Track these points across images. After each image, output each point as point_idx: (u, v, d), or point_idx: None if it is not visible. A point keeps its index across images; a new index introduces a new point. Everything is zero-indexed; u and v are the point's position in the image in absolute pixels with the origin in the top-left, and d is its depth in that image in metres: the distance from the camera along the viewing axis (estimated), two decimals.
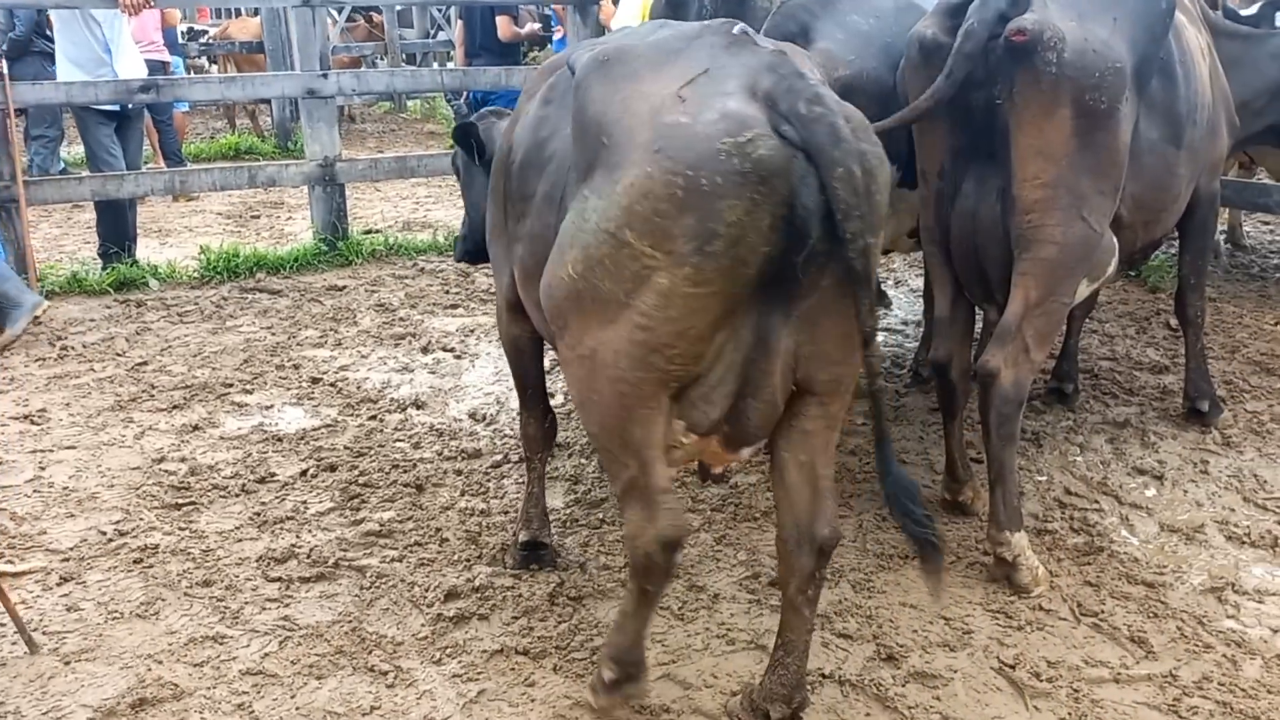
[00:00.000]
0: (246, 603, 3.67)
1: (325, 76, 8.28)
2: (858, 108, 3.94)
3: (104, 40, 7.83)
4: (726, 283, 2.50)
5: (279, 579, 3.81)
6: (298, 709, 3.13)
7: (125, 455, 4.85)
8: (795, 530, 2.81)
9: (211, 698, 3.18)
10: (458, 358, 6.15)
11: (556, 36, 10.16)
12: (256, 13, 16.05)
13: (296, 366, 5.98)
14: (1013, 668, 3.27)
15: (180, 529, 4.18)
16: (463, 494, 4.45)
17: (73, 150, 11.24)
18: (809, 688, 3.13)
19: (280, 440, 5.00)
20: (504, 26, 9.50)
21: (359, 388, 5.67)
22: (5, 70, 7.10)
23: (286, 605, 3.66)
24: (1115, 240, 3.91)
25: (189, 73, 14.97)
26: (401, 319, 6.84)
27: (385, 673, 3.28)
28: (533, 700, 3.16)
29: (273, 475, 4.64)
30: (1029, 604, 3.60)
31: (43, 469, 4.71)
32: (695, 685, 3.21)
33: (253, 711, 3.12)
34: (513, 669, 3.30)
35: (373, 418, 5.27)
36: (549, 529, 3.93)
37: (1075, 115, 3.54)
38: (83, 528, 4.19)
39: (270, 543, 4.06)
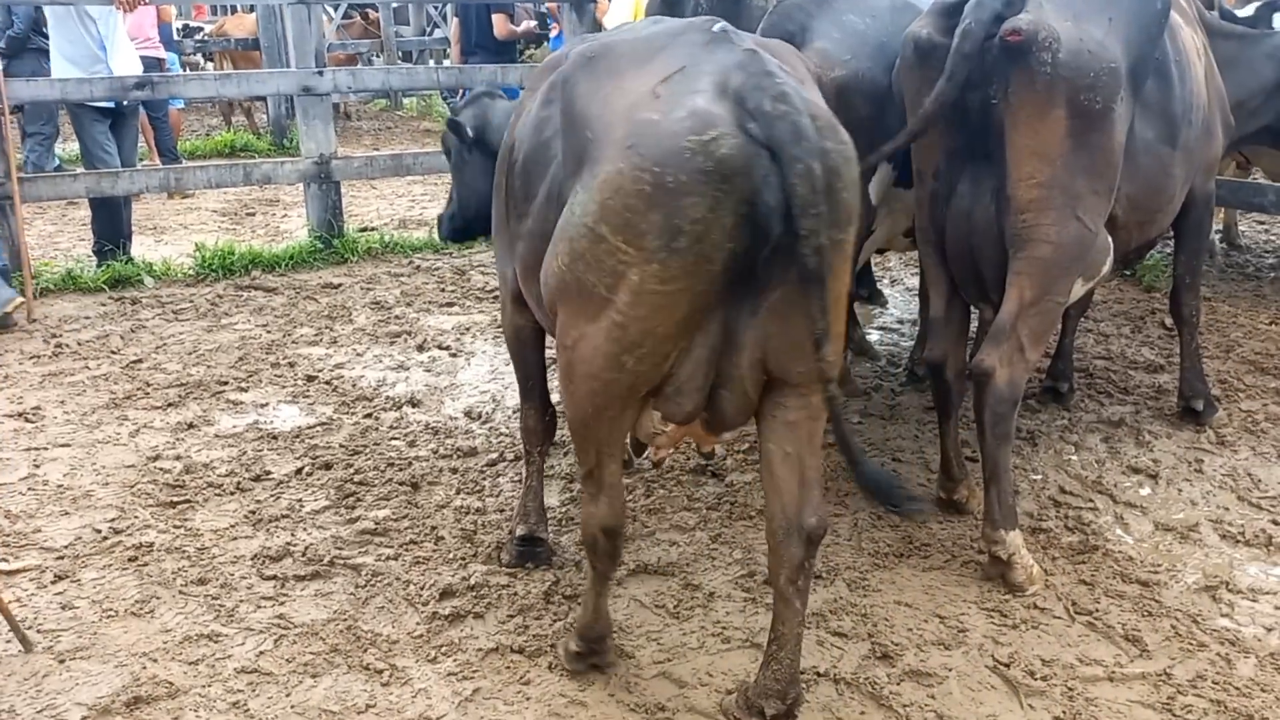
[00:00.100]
0: (241, 601, 3.67)
1: (321, 74, 8.28)
2: (854, 107, 4.02)
3: (99, 37, 7.81)
4: (693, 280, 2.55)
5: (274, 577, 3.81)
6: (293, 707, 3.13)
7: (120, 453, 4.85)
8: (784, 520, 2.84)
9: (206, 696, 3.18)
10: (453, 356, 6.15)
11: (553, 34, 10.15)
12: (252, 9, 16.04)
13: (292, 364, 5.97)
14: (1007, 666, 3.28)
15: (175, 527, 4.17)
16: (458, 492, 4.45)
17: (67, 147, 11.21)
18: (804, 685, 3.14)
19: (275, 438, 5.00)
20: (500, 24, 9.51)
21: (354, 386, 5.67)
22: (0, 67, 7.09)
23: (281, 603, 3.66)
24: (1110, 240, 3.92)
25: (184, 69, 14.95)
26: (397, 317, 6.84)
27: (380, 671, 3.28)
28: (528, 698, 3.16)
29: (268, 473, 4.63)
30: (1024, 602, 3.61)
31: (37, 466, 4.70)
32: (691, 683, 3.21)
33: (248, 710, 3.12)
34: (508, 667, 3.30)
35: (368, 416, 5.26)
36: (546, 525, 3.94)
37: (1070, 115, 3.54)
38: (77, 525, 4.18)
39: (265, 541, 4.06)
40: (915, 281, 6.91)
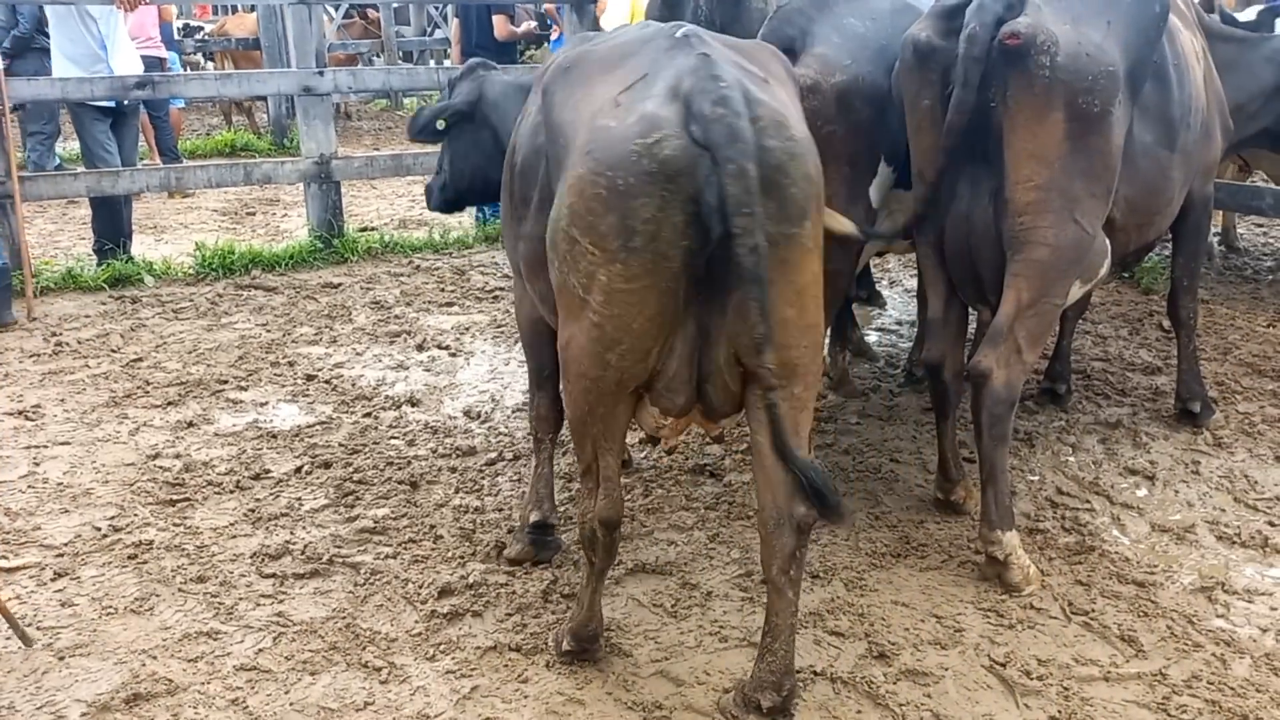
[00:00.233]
0: (241, 599, 3.68)
1: (321, 74, 8.29)
2: (854, 111, 4.04)
3: (100, 37, 7.82)
4: (655, 278, 2.66)
5: (273, 575, 3.82)
6: (292, 704, 3.14)
7: (120, 451, 4.86)
8: (774, 510, 2.88)
9: (205, 693, 3.19)
10: (453, 355, 6.16)
11: (554, 36, 10.16)
12: (253, 9, 16.05)
13: (291, 363, 5.98)
14: (1003, 666, 3.29)
15: (175, 525, 4.18)
16: (457, 491, 4.46)
17: (68, 146, 11.23)
18: (801, 684, 3.16)
19: (275, 437, 5.01)
20: (500, 25, 9.52)
21: (354, 385, 5.68)
22: (0, 66, 7.10)
23: (281, 601, 3.67)
24: (1108, 242, 3.93)
25: (185, 69, 14.96)
26: (397, 316, 6.85)
27: (379, 669, 3.29)
28: (526, 696, 3.17)
29: (267, 472, 4.64)
30: (1020, 603, 3.62)
31: (37, 465, 4.71)
32: (688, 682, 3.22)
33: (247, 707, 3.13)
34: (506, 665, 3.31)
35: (367, 415, 5.28)
36: (555, 512, 3.96)
37: (1068, 118, 3.55)
38: (77, 523, 4.19)
39: (264, 539, 4.07)
40: (914, 283, 6.92)
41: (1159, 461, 4.66)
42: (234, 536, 4.10)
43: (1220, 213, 7.90)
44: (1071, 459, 4.72)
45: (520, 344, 4.13)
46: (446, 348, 6.26)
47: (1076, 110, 3.56)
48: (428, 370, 5.93)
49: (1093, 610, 3.57)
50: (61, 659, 3.35)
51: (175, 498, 4.40)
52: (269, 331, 6.55)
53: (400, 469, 4.65)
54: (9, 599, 3.46)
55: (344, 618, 3.56)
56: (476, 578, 3.76)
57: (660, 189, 2.60)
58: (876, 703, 3.13)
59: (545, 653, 3.36)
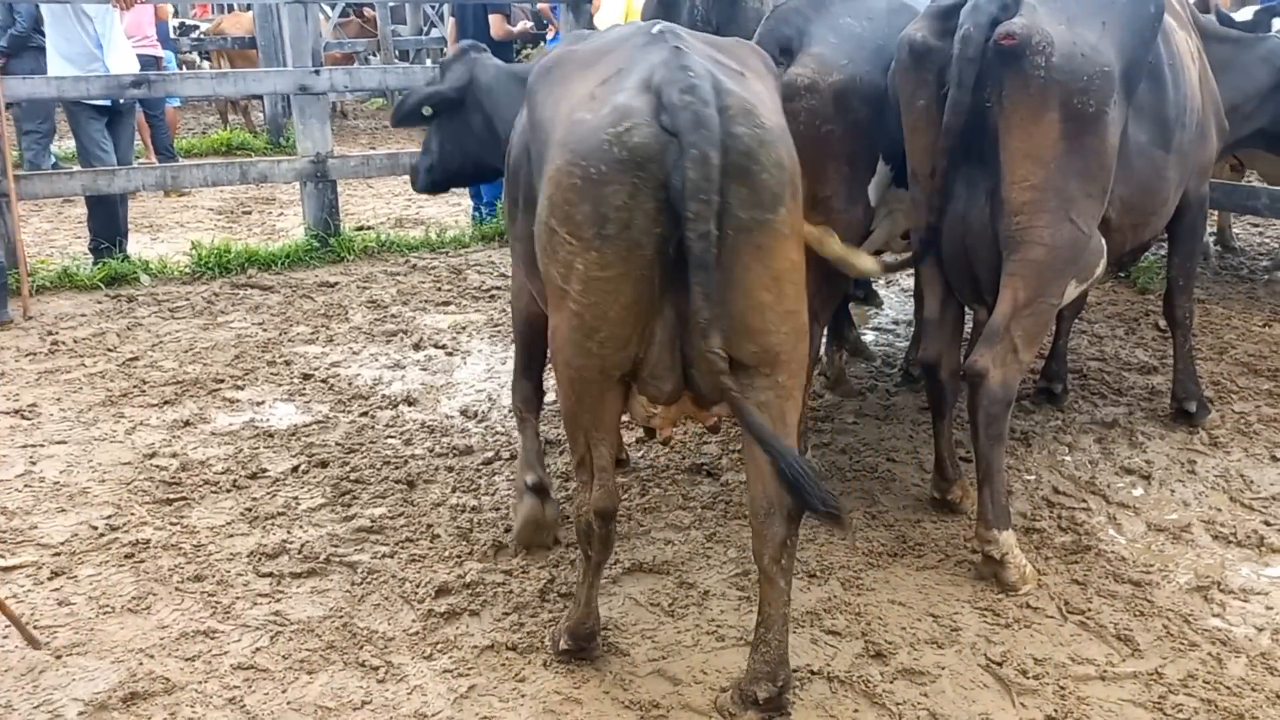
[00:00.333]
0: (238, 598, 3.68)
1: (318, 73, 8.28)
2: (852, 110, 4.05)
3: (95, 35, 7.81)
4: (629, 265, 2.73)
5: (270, 574, 3.82)
6: (289, 703, 3.14)
7: (116, 450, 4.86)
8: (765, 501, 2.91)
9: (203, 692, 3.19)
10: (449, 354, 6.16)
11: (549, 35, 10.16)
12: (249, 8, 16.04)
13: (288, 363, 5.98)
14: (1000, 665, 3.30)
15: (171, 524, 4.18)
16: (454, 490, 4.46)
17: (64, 145, 11.21)
18: (798, 683, 3.17)
19: (271, 436, 5.01)
20: (496, 24, 9.51)
21: (350, 384, 5.68)
22: None
23: (278, 600, 3.67)
24: (1104, 242, 3.94)
25: (181, 68, 14.94)
26: (393, 316, 6.85)
27: (376, 668, 3.29)
28: (523, 695, 3.18)
29: (264, 471, 4.64)
30: (1016, 602, 3.62)
31: (33, 464, 4.71)
32: (685, 681, 3.23)
33: (244, 706, 3.13)
34: (503, 664, 3.32)
35: (364, 414, 5.27)
36: (545, 469, 4.07)
37: (1063, 118, 3.56)
38: (74, 522, 4.19)
39: (261, 538, 4.07)
40: (910, 283, 6.93)
41: (1155, 461, 4.67)
42: (231, 536, 4.10)
43: (1216, 213, 7.92)
44: (1068, 458, 4.73)
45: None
46: (443, 347, 6.26)
47: (1072, 110, 3.57)
48: (424, 369, 5.93)
49: (1089, 609, 3.58)
50: (59, 658, 3.34)
51: (172, 497, 4.39)
52: (265, 330, 6.55)
53: (397, 468, 4.65)
54: (7, 598, 3.45)
55: (341, 617, 3.56)
56: (474, 577, 3.76)
57: (631, 176, 2.67)
58: (873, 701, 3.14)
59: (542, 651, 3.36)
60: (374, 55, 18.04)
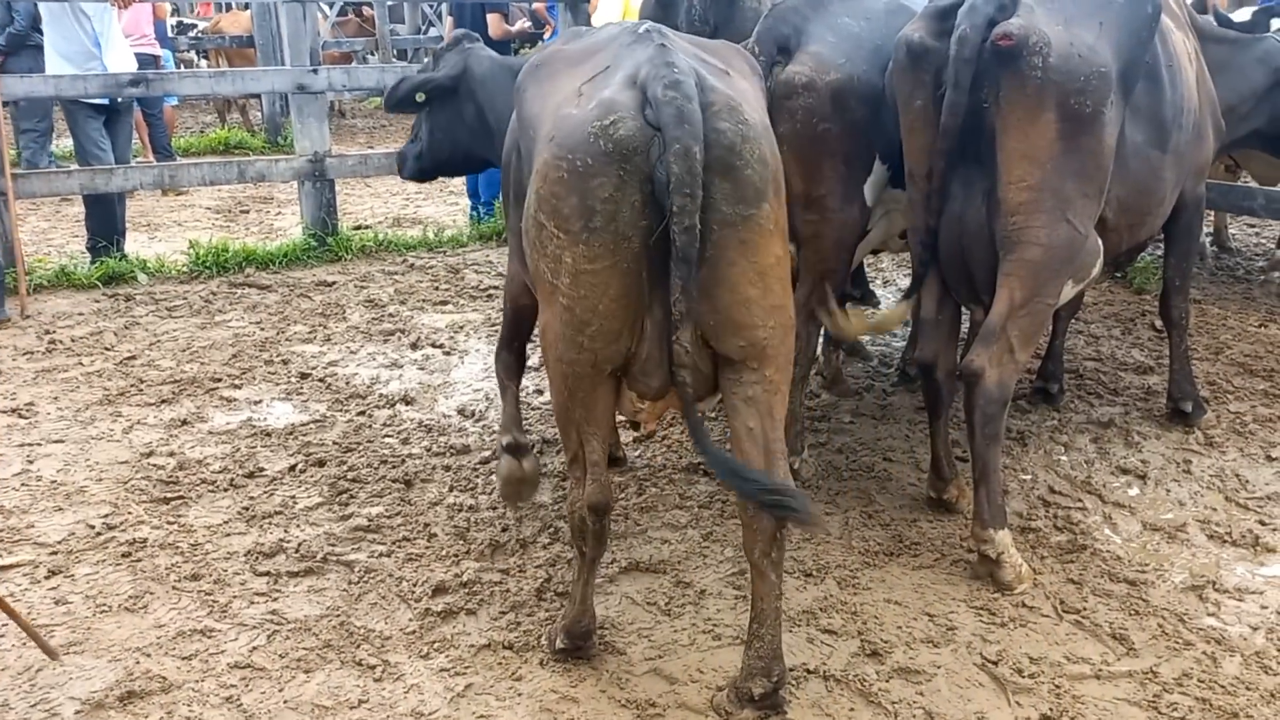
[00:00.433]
0: (235, 597, 3.69)
1: (315, 72, 8.28)
2: (849, 109, 4.06)
3: (93, 34, 7.81)
4: (616, 258, 2.76)
5: (267, 573, 3.82)
6: (285, 702, 3.15)
7: (113, 449, 4.86)
8: None
9: (200, 691, 3.19)
10: (447, 354, 6.16)
11: (546, 34, 10.16)
12: (247, 7, 16.03)
13: (285, 362, 5.98)
14: (995, 664, 3.30)
15: (168, 523, 4.18)
16: (451, 489, 4.47)
17: (61, 144, 11.20)
18: (794, 682, 3.17)
19: (269, 435, 5.01)
20: (495, 24, 9.51)
21: (348, 383, 5.68)
22: None
23: (275, 599, 3.67)
24: (1100, 242, 3.95)
25: (179, 66, 14.94)
26: (391, 315, 6.85)
27: (373, 667, 3.30)
28: (519, 694, 3.18)
29: (261, 470, 4.65)
30: (1012, 601, 3.63)
31: (31, 462, 4.71)
32: (682, 680, 3.24)
33: (241, 705, 3.14)
34: (500, 663, 3.32)
35: (361, 413, 5.28)
36: (524, 432, 4.25)
37: (1060, 119, 3.57)
38: (71, 521, 4.19)
39: (258, 537, 4.07)
40: (908, 283, 6.93)
41: (1151, 461, 4.68)
42: (228, 534, 4.10)
43: (1212, 213, 7.93)
44: (1064, 458, 4.74)
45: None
46: (441, 346, 6.27)
47: (1069, 111, 3.58)
48: (422, 369, 5.93)
49: (1084, 608, 3.58)
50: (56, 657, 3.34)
51: (169, 496, 4.40)
52: (263, 330, 6.55)
53: (394, 467, 4.66)
54: (5, 596, 3.45)
55: (338, 616, 3.57)
56: (470, 576, 3.77)
57: (617, 169, 2.71)
58: (869, 701, 3.14)
59: (539, 650, 3.37)
60: (372, 54, 18.04)
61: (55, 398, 5.44)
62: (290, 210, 10.08)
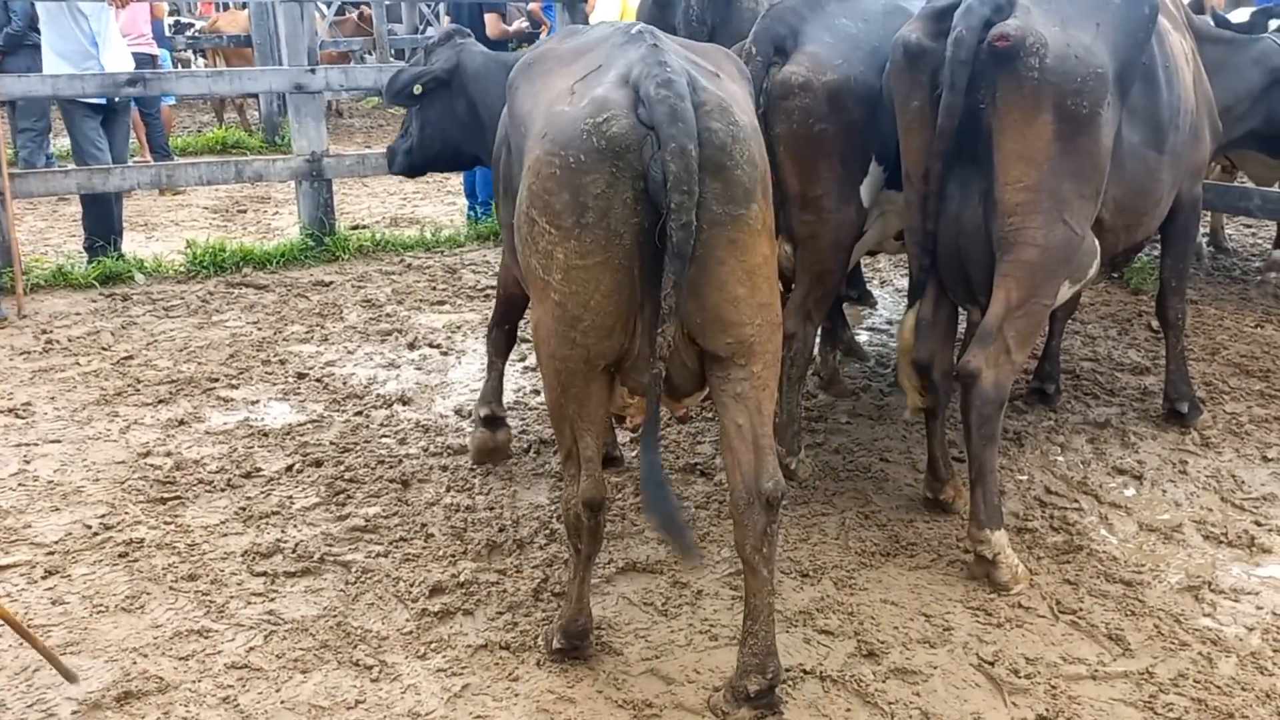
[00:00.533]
0: (232, 597, 3.69)
1: (313, 71, 8.27)
2: (846, 110, 4.07)
3: (90, 33, 7.80)
4: (608, 253, 2.78)
5: (264, 573, 3.82)
6: (283, 703, 3.15)
7: (110, 449, 4.86)
8: (744, 489, 2.95)
9: (197, 691, 3.19)
10: (444, 354, 6.16)
11: (542, 34, 10.16)
12: (244, 6, 16.02)
13: (283, 362, 5.98)
14: (992, 664, 3.31)
15: (165, 523, 4.18)
16: (448, 490, 4.47)
17: (59, 143, 11.20)
18: (790, 683, 3.18)
19: (266, 435, 5.01)
20: (492, 24, 9.50)
21: (345, 383, 5.68)
22: None
23: (272, 600, 3.67)
24: (1097, 243, 3.95)
25: (176, 66, 14.93)
26: (388, 315, 6.85)
27: (370, 667, 3.30)
28: (516, 695, 3.18)
29: (258, 470, 4.64)
30: (1008, 601, 3.64)
31: (27, 462, 4.71)
32: (679, 680, 3.24)
33: (238, 705, 3.14)
34: (497, 664, 3.32)
35: (359, 413, 5.28)
36: (503, 407, 4.67)
37: (1057, 120, 3.58)
38: (68, 521, 4.19)
39: (256, 537, 4.07)
40: (904, 283, 6.94)
41: (1147, 461, 4.69)
42: (225, 535, 4.10)
43: (1209, 213, 7.94)
44: (1060, 458, 4.75)
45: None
46: (438, 346, 6.27)
47: (1065, 112, 3.58)
48: (419, 369, 5.93)
49: (1080, 609, 3.59)
50: None
51: (166, 496, 4.40)
52: (260, 329, 6.55)
53: (391, 467, 4.66)
54: (1, 597, 3.46)
55: (335, 616, 3.57)
56: (467, 576, 3.77)
57: (609, 165, 2.73)
58: (866, 701, 3.15)
59: (536, 651, 3.37)
60: (370, 54, 18.02)
61: (52, 398, 5.44)
62: (288, 210, 10.07)
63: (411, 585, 3.73)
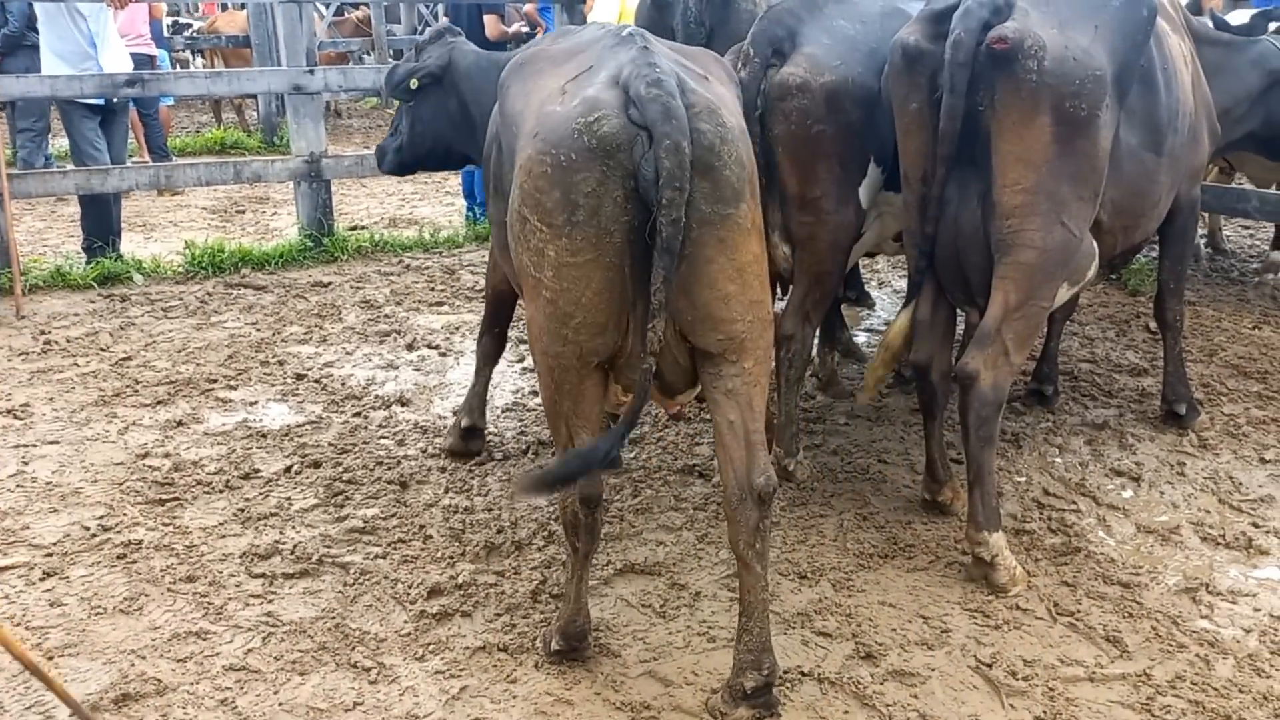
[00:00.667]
0: (230, 598, 3.68)
1: (312, 72, 8.27)
2: (844, 111, 4.07)
3: (89, 34, 7.80)
4: (598, 251, 2.81)
5: (262, 575, 3.82)
6: (281, 705, 3.15)
7: (109, 450, 4.85)
8: (736, 485, 2.97)
9: (195, 693, 3.19)
10: (442, 355, 6.16)
11: (539, 35, 10.16)
12: (243, 6, 16.02)
13: (281, 363, 5.98)
14: (989, 666, 3.31)
15: (164, 524, 4.18)
16: (446, 491, 4.47)
17: (58, 143, 11.19)
18: (788, 685, 3.18)
19: (264, 436, 5.01)
20: (491, 25, 9.49)
21: (343, 384, 5.68)
22: None
23: (270, 601, 3.67)
24: (1095, 245, 3.95)
25: (175, 66, 14.92)
26: (386, 316, 6.85)
27: (368, 669, 3.30)
28: (514, 697, 3.18)
29: (257, 471, 4.64)
30: (1006, 603, 3.64)
31: (26, 464, 4.70)
32: (676, 682, 3.24)
33: (236, 707, 3.14)
34: (495, 665, 3.32)
35: (357, 414, 5.28)
36: (485, 418, 4.79)
37: (1055, 122, 3.58)
38: (66, 523, 4.19)
39: (254, 539, 4.07)
40: (902, 284, 6.95)
41: (1145, 463, 4.69)
42: (223, 536, 4.10)
43: (1207, 215, 7.94)
44: (1058, 460, 4.75)
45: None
46: (436, 347, 6.27)
47: (1063, 114, 3.59)
48: (417, 370, 5.93)
49: (1078, 611, 3.59)
50: (50, 659, 3.34)
51: (164, 497, 4.40)
52: (258, 330, 6.54)
53: (390, 469, 4.66)
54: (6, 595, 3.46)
55: (333, 618, 3.57)
56: (466, 578, 3.77)
57: (600, 164, 2.77)
58: (863, 703, 3.15)
59: (534, 653, 3.37)
60: (368, 54, 18.02)
61: (50, 399, 5.44)
62: (286, 211, 10.07)
63: (410, 587, 3.73)
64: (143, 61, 9.76)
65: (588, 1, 8.60)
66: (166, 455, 4.79)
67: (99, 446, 4.90)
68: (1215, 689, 3.20)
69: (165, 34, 13.87)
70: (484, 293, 4.51)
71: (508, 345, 5.10)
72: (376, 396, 5.51)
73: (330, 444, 4.92)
